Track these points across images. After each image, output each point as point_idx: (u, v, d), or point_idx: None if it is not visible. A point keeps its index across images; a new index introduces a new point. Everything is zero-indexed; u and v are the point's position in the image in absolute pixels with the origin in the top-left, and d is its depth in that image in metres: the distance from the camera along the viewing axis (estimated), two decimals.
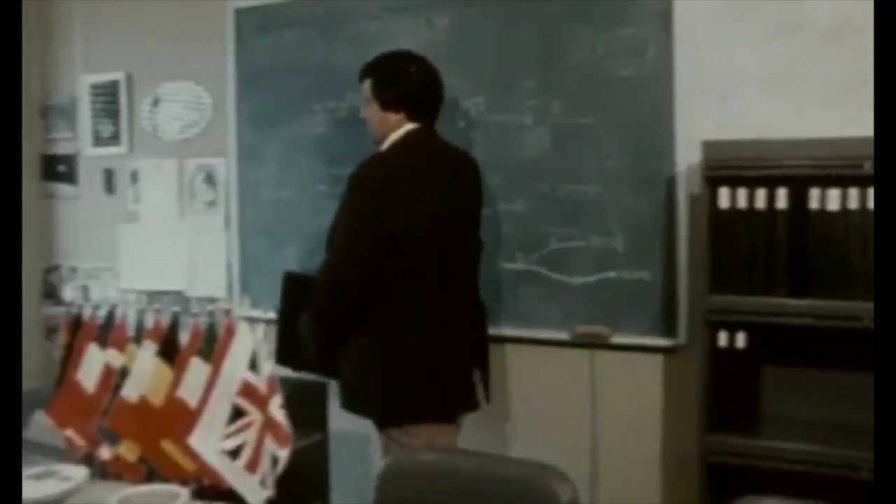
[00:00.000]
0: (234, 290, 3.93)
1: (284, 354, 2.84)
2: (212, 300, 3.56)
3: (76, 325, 1.74)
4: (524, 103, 3.30)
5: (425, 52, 3.47)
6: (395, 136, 2.86)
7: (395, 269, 2.67)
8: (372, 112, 2.92)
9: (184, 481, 1.57)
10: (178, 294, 4.01)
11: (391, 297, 2.69)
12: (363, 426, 3.59)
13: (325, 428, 3.16)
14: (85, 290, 4.45)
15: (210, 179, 4.07)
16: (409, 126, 2.87)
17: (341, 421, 3.26)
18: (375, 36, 3.56)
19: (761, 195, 2.59)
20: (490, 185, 3.38)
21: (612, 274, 3.16)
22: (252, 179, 3.92)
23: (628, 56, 3.10)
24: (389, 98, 2.87)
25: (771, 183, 2.58)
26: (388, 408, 2.72)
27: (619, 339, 3.15)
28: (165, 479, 1.60)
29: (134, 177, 4.31)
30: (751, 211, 2.60)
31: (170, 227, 4.17)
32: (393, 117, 2.87)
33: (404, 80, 2.88)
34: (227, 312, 1.56)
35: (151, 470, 1.64)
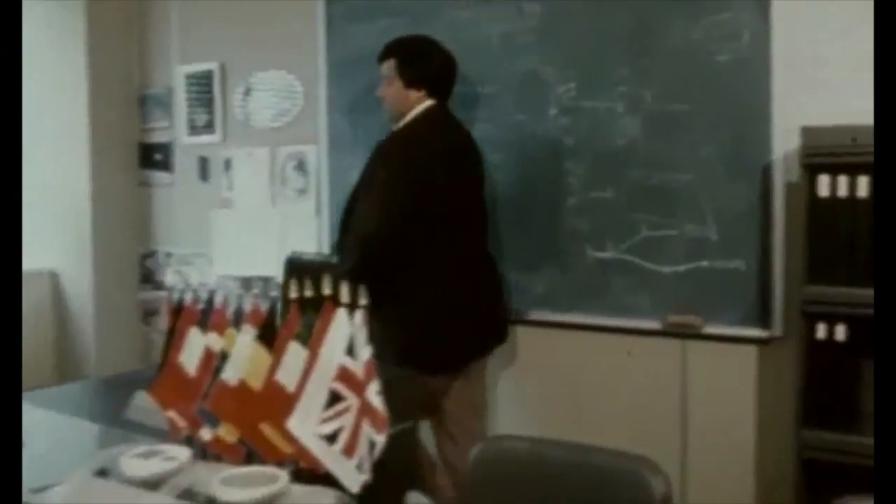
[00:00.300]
0: None
1: None
2: None
3: (178, 309, 1.77)
4: (616, 90, 3.27)
5: (516, 39, 3.47)
6: (415, 111, 3.11)
7: (419, 235, 2.93)
8: (394, 90, 3.14)
9: (281, 463, 1.60)
10: (269, 280, 4.08)
11: (412, 264, 2.94)
12: None
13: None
14: (184, 275, 4.56)
15: (301, 167, 4.13)
16: (428, 103, 3.12)
17: None
18: (466, 23, 3.56)
19: (863, 183, 2.51)
20: (580, 172, 3.36)
21: (704, 263, 3.10)
22: (343, 166, 3.95)
23: (724, 41, 3.04)
24: (414, 77, 3.12)
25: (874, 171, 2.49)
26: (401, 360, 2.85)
27: (711, 330, 3.10)
28: (263, 461, 1.63)
29: (227, 164, 4.40)
30: (852, 199, 2.52)
31: (262, 214, 4.24)
32: (414, 95, 3.12)
33: (428, 61, 3.15)
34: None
35: (250, 452, 1.66)
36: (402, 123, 3.13)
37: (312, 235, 4.06)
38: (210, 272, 4.39)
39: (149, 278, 4.77)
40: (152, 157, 4.74)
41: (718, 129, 3.06)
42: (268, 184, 4.23)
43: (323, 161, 4.03)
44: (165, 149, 4.68)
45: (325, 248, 4.01)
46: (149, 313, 4.76)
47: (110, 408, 2.69)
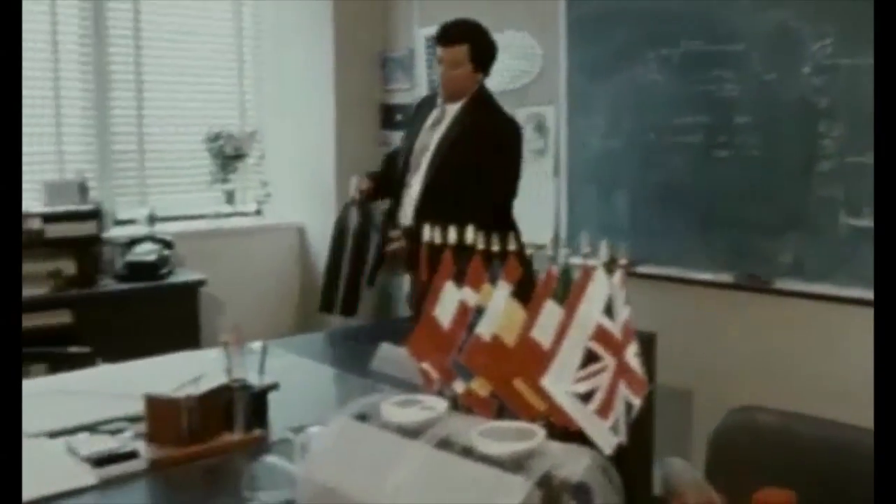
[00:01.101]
0: (560, 237, 3.99)
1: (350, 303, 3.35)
2: (537, 247, 3.64)
3: (434, 263, 1.81)
4: None
5: None
6: (471, 90, 3.37)
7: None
8: (463, 73, 3.34)
9: (532, 420, 1.60)
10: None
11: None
12: (689, 382, 3.54)
13: (654, 380, 3.12)
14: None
15: (540, 128, 4.12)
16: (481, 80, 3.41)
17: (665, 375, 3.22)
18: None
19: None
20: (836, 135, 3.17)
21: None
22: (581, 128, 3.93)
23: None
24: (483, 62, 3.38)
25: None
26: None
27: None
28: (515, 417, 1.64)
29: None
30: None
31: None
32: (478, 77, 3.39)
33: (493, 47, 3.43)
34: (586, 257, 1.57)
35: (501, 406, 1.68)
36: (465, 100, 3.36)
37: (550, 196, 4.06)
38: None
39: None
40: (393, 117, 4.88)
41: None
42: None
43: (562, 122, 4.01)
44: (406, 110, 4.81)
45: (563, 209, 4.00)
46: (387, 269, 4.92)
47: (351, 356, 2.82)
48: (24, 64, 4.44)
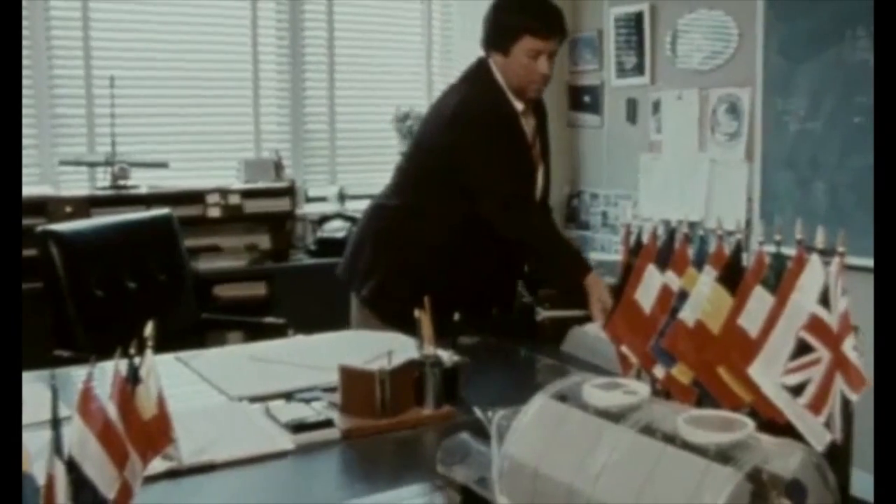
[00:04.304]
0: (753, 223, 3.86)
1: None
2: (728, 233, 3.55)
3: (636, 246, 1.78)
4: None
5: None
6: None
7: None
8: None
9: (736, 409, 1.55)
10: (695, 224, 4.03)
11: None
12: None
13: None
14: (605, 216, 4.65)
15: (733, 110, 3.99)
16: None
17: (868, 375, 3.06)
18: None
19: None
20: None
21: None
22: (778, 110, 3.77)
23: None
24: None
25: None
26: None
27: None
28: (716, 405, 1.59)
29: (656, 107, 4.37)
30: None
31: (689, 158, 4.17)
32: None
33: None
34: (801, 243, 1.50)
35: (702, 394, 1.64)
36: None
37: (742, 181, 3.93)
38: (634, 214, 4.42)
39: (573, 218, 4.90)
40: (581, 99, 4.83)
41: None
42: (696, 127, 4.14)
43: (757, 104, 3.86)
44: (593, 91, 4.75)
45: (756, 195, 3.86)
46: None
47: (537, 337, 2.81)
48: (225, 49, 4.66)
